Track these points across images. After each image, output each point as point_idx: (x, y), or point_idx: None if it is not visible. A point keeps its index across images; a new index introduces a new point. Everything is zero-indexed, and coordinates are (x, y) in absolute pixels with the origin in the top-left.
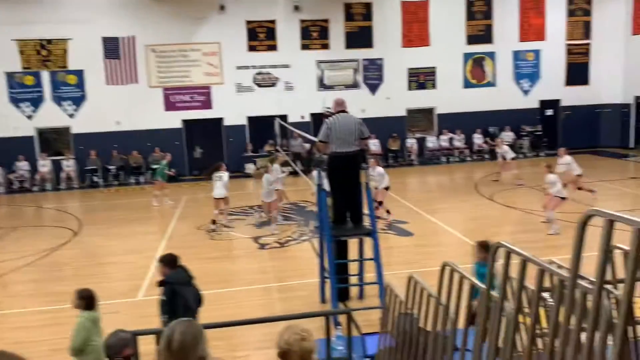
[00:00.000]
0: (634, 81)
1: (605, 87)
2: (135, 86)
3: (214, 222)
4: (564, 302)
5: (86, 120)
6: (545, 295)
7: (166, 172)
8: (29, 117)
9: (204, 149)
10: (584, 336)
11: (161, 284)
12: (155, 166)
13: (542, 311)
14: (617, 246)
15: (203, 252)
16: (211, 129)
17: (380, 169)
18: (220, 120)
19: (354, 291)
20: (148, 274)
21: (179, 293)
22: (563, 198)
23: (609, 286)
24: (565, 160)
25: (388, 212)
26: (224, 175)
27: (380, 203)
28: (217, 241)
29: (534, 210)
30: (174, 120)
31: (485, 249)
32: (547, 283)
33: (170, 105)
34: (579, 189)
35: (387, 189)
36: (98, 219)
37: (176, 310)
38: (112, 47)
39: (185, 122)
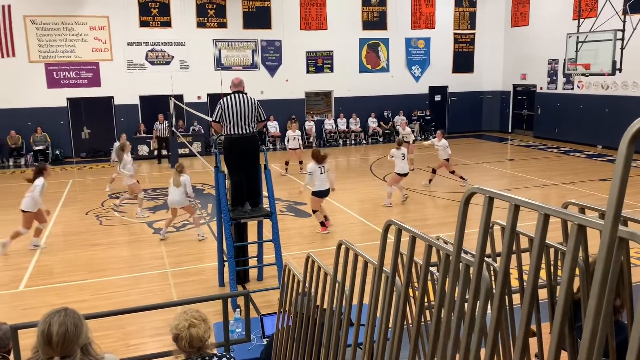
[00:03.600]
0: (512, 70)
1: (487, 75)
2: (12, 60)
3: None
4: (449, 274)
5: None
6: (433, 269)
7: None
8: None
9: (92, 129)
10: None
11: None
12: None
13: (429, 285)
14: (496, 222)
15: (93, 238)
16: (100, 108)
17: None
18: (110, 99)
19: (253, 274)
20: (31, 262)
21: None
22: (402, 175)
23: (489, 259)
24: (443, 144)
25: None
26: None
27: (453, 172)
28: (108, 227)
29: (422, 190)
30: (58, 98)
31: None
32: (434, 258)
33: (53, 82)
34: (452, 172)
35: (447, 160)
36: None
37: None
38: None
39: (71, 100)
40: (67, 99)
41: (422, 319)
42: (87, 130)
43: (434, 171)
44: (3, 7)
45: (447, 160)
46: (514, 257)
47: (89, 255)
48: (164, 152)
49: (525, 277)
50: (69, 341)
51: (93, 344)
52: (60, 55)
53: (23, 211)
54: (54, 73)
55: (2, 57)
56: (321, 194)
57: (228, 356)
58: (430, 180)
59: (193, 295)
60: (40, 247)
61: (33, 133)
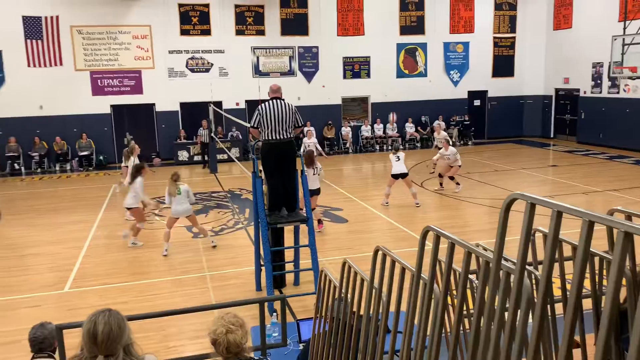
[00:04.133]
0: (554, 74)
1: (528, 79)
2: (60, 69)
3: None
4: (489, 282)
5: (5, 104)
6: (472, 277)
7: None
8: None
9: (134, 135)
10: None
11: None
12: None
13: (468, 293)
14: (538, 229)
15: None
16: (142, 115)
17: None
18: (151, 105)
19: (289, 278)
20: (75, 264)
21: None
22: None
23: (530, 267)
24: (452, 152)
25: (457, 183)
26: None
27: (451, 178)
28: (148, 230)
29: (461, 196)
30: (102, 105)
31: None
32: (473, 265)
33: (98, 90)
34: (451, 178)
35: (459, 166)
36: (20, 209)
37: None
38: (33, 27)
39: (114, 107)
40: (111, 106)
41: (461, 328)
42: (129, 137)
43: (451, 178)
44: (52, 18)
45: (459, 166)
46: (556, 265)
47: (130, 258)
48: (206, 157)
49: (568, 286)
50: (112, 340)
51: (135, 344)
52: (105, 63)
53: (129, 209)
54: (99, 81)
55: (50, 65)
56: (311, 193)
57: (265, 359)
58: (457, 183)
59: (231, 298)
60: (138, 244)
61: (78, 139)
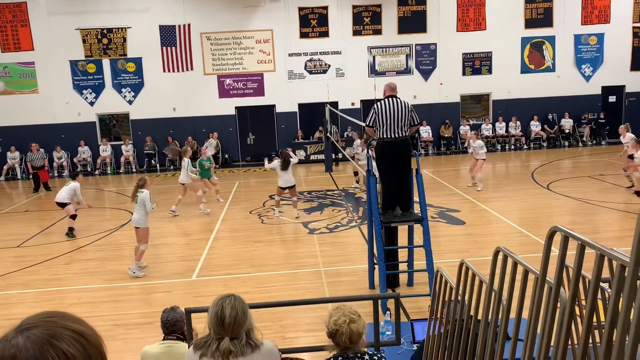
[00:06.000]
0: None
1: None
2: (191, 73)
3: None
4: (624, 290)
5: (144, 107)
6: (604, 285)
7: (208, 165)
8: (91, 103)
9: (256, 135)
10: None
11: None
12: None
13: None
14: None
15: (255, 236)
16: (264, 116)
17: (479, 142)
18: (272, 107)
19: (403, 279)
20: (202, 255)
21: None
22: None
23: None
24: (479, 144)
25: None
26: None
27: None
28: (268, 225)
29: (592, 199)
30: (227, 107)
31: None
32: (605, 273)
33: (224, 92)
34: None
35: (484, 159)
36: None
37: None
38: (168, 35)
39: (238, 108)
40: (235, 107)
41: (590, 340)
42: (251, 136)
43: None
44: (185, 26)
45: (484, 160)
46: None
47: (251, 251)
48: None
49: None
50: (238, 324)
51: (256, 329)
52: (230, 67)
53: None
54: (225, 84)
55: (183, 71)
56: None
57: (379, 355)
58: (474, 184)
59: (344, 294)
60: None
61: (206, 139)
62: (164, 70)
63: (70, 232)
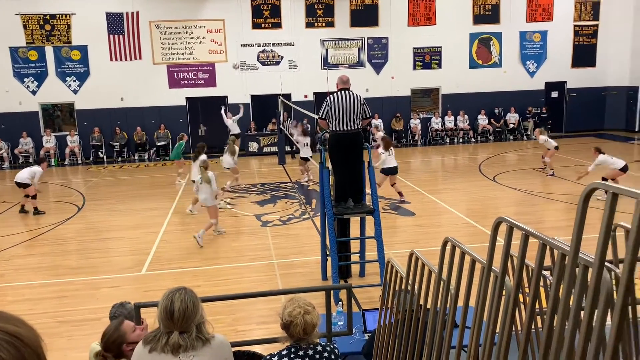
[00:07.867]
0: None
1: (612, 70)
2: (139, 62)
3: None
4: (565, 277)
5: (90, 97)
6: (545, 273)
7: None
8: (33, 92)
9: (208, 127)
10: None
11: None
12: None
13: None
14: (620, 224)
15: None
16: (215, 107)
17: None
18: (224, 98)
19: (355, 270)
20: (152, 249)
21: None
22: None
23: (610, 265)
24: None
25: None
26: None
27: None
28: (220, 218)
29: (535, 191)
30: (178, 97)
31: None
32: (547, 262)
33: (174, 83)
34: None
35: None
36: (102, 195)
37: None
38: (116, 23)
39: (189, 99)
40: (186, 98)
41: (533, 326)
42: (203, 128)
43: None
44: (132, 13)
45: (556, 148)
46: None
47: (203, 244)
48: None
49: None
50: (187, 317)
51: (207, 323)
52: (180, 57)
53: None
54: (175, 74)
55: (131, 59)
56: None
57: (332, 346)
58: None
59: (297, 286)
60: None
61: (157, 130)
62: (111, 59)
63: (37, 211)
